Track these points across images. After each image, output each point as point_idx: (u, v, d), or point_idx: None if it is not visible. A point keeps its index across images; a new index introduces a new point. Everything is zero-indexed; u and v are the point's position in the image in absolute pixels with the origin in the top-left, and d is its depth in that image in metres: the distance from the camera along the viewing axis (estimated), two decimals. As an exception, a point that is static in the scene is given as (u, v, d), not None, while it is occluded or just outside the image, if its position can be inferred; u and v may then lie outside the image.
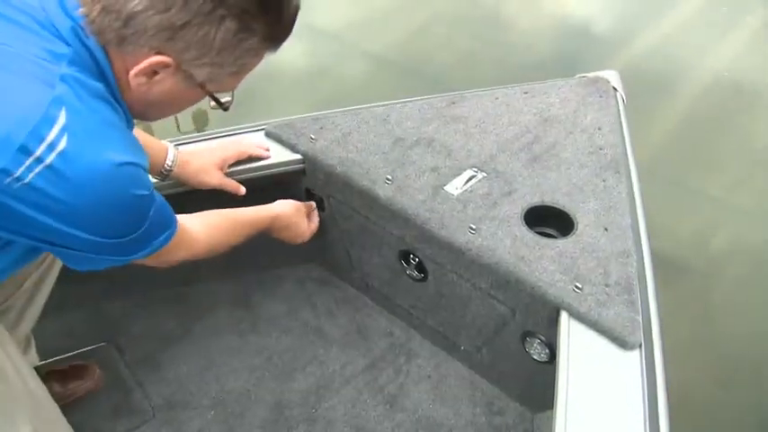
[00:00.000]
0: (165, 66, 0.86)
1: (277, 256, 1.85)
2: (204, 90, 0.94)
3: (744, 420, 2.02)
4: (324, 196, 1.63)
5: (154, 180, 1.43)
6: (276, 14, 0.88)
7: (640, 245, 1.36)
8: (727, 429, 1.99)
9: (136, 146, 0.90)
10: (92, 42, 0.85)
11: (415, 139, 1.59)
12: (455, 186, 1.46)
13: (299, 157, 1.58)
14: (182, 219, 1.10)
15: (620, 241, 1.33)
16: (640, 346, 1.16)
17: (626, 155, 1.59)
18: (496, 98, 1.74)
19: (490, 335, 1.47)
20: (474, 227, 1.36)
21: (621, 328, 1.17)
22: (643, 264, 1.33)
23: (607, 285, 1.24)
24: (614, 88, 1.82)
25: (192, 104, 1.01)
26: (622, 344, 1.16)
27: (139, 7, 0.80)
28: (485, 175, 1.49)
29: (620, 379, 1.12)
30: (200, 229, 1.20)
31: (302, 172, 1.61)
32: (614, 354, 1.16)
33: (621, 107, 1.77)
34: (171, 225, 1.04)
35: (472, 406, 1.55)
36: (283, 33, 0.93)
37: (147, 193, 0.90)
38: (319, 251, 1.81)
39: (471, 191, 1.45)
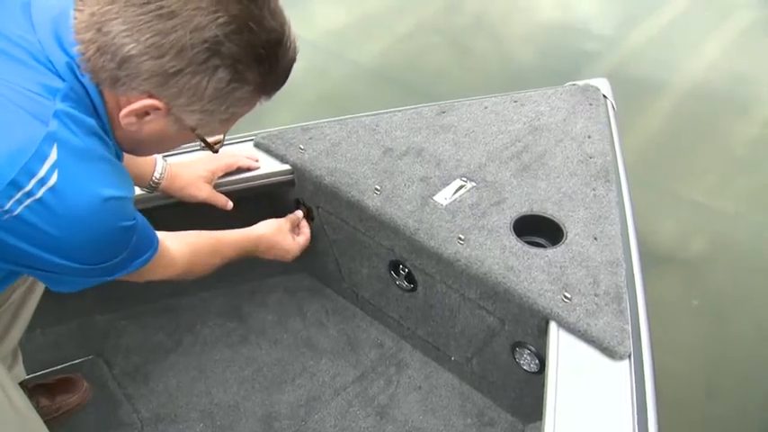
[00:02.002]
0: (156, 108, 0.86)
1: (268, 266, 1.84)
2: (194, 134, 0.94)
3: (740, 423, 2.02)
4: (313, 207, 1.62)
5: (141, 192, 1.42)
6: (270, 65, 0.87)
7: (630, 254, 1.36)
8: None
9: (124, 178, 0.91)
10: (86, 79, 0.85)
11: (404, 148, 1.59)
12: (444, 196, 1.45)
13: (288, 167, 1.58)
14: (163, 238, 1.10)
15: (609, 250, 1.33)
16: (630, 355, 1.16)
17: (616, 163, 1.58)
18: (486, 107, 1.74)
19: (480, 345, 1.46)
20: (463, 237, 1.35)
21: (611, 338, 1.16)
22: (632, 273, 1.32)
23: (596, 295, 1.24)
24: (604, 96, 1.82)
25: (182, 145, 1.02)
26: (611, 354, 1.15)
27: (134, 51, 0.80)
28: (474, 184, 1.49)
29: (610, 389, 1.11)
30: (180, 250, 1.20)
31: (291, 183, 1.60)
32: (603, 364, 1.15)
33: (612, 115, 1.77)
34: (152, 246, 1.05)
35: (463, 417, 1.54)
36: (276, 84, 0.92)
37: (131, 223, 0.92)
38: (310, 261, 1.81)
39: (460, 201, 1.44)
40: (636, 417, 1.07)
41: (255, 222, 1.49)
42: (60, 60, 0.84)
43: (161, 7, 0.78)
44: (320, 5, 4.38)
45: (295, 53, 0.90)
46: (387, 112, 1.72)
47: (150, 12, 0.78)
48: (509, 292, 1.26)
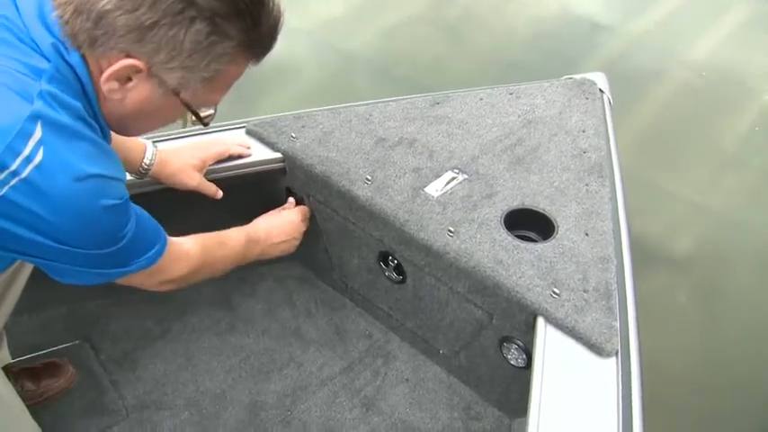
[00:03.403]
0: (137, 70, 0.85)
1: None
2: (179, 98, 0.91)
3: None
4: (304, 195, 1.61)
5: (131, 178, 1.41)
6: (251, 21, 0.86)
7: (621, 250, 1.35)
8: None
9: (110, 158, 0.90)
10: (72, 57, 0.84)
11: (396, 139, 1.57)
12: (435, 188, 1.44)
13: (279, 155, 1.56)
14: (173, 238, 1.12)
15: (600, 246, 1.32)
16: (617, 353, 1.15)
17: (610, 158, 1.57)
18: (481, 99, 1.72)
19: (468, 339, 1.45)
20: (453, 229, 1.34)
21: (598, 335, 1.15)
22: (623, 270, 1.31)
23: (585, 291, 1.23)
24: (601, 90, 1.81)
25: (172, 119, 1.00)
26: (598, 351, 1.15)
27: (108, 6, 0.79)
28: (466, 176, 1.47)
29: (596, 386, 1.11)
30: (189, 244, 1.20)
31: (282, 171, 1.59)
32: (590, 361, 1.15)
33: (608, 110, 1.76)
34: (158, 241, 1.04)
35: (449, 410, 1.53)
36: (260, 42, 0.90)
37: (118, 202, 0.89)
38: (300, 250, 1.79)
39: (452, 193, 1.43)
40: (621, 414, 1.07)
41: (246, 209, 1.48)
42: (45, 41, 0.83)
43: None
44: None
45: (280, 14, 0.90)
46: (380, 102, 1.70)
47: None
48: (497, 286, 1.25)
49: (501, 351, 1.37)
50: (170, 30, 0.81)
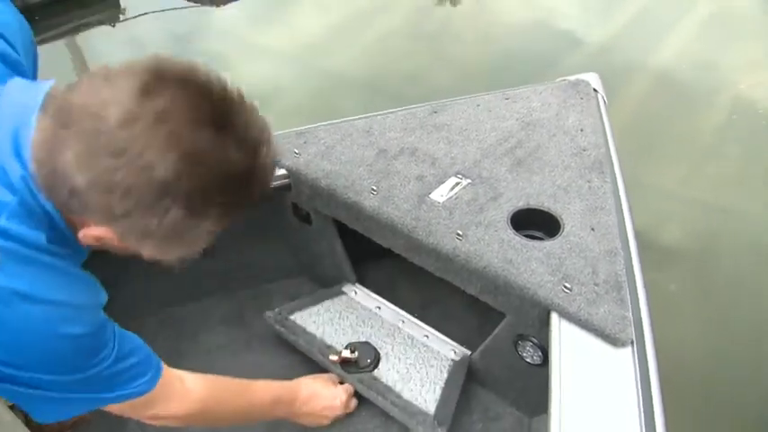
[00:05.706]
0: (110, 237, 0.81)
1: (267, 271, 1.83)
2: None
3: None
4: (310, 210, 1.62)
5: None
6: (234, 195, 0.81)
7: (627, 243, 1.37)
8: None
9: (79, 285, 0.87)
10: (46, 205, 0.81)
11: (398, 149, 1.60)
12: (440, 194, 1.46)
13: (283, 172, 1.58)
14: (177, 372, 1.08)
15: (607, 240, 1.34)
16: (632, 342, 1.16)
17: (609, 155, 1.59)
18: (478, 105, 1.75)
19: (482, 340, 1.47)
20: (461, 233, 1.36)
21: (612, 326, 1.16)
22: (631, 261, 1.33)
23: (596, 284, 1.24)
24: (595, 90, 1.83)
25: None
26: (614, 341, 1.16)
27: (82, 185, 0.74)
28: (469, 181, 1.49)
29: (614, 377, 1.12)
30: (196, 382, 1.12)
31: (287, 187, 1.60)
32: (606, 352, 1.16)
33: (603, 108, 1.78)
34: (149, 371, 0.99)
35: (468, 412, 1.54)
36: (243, 208, 0.84)
37: (83, 331, 0.85)
38: (309, 265, 1.81)
39: (457, 197, 1.45)
40: (641, 402, 1.07)
41: (253, 226, 1.49)
42: (16, 173, 0.79)
43: (111, 141, 0.72)
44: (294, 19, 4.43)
45: (266, 176, 0.84)
46: (379, 115, 1.73)
47: (100, 146, 0.72)
48: (509, 284, 1.27)
49: (516, 350, 1.38)
50: (143, 218, 0.76)
